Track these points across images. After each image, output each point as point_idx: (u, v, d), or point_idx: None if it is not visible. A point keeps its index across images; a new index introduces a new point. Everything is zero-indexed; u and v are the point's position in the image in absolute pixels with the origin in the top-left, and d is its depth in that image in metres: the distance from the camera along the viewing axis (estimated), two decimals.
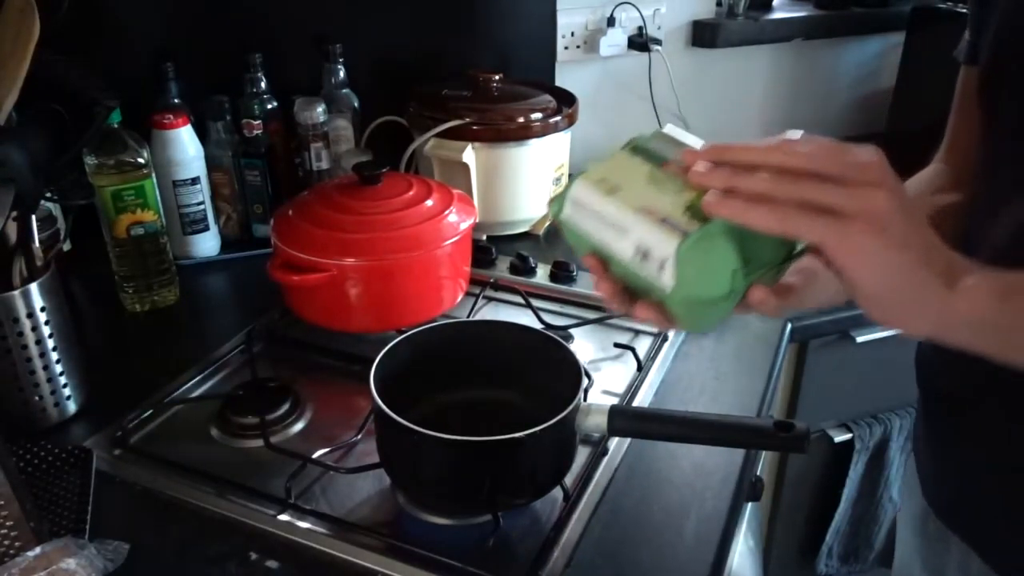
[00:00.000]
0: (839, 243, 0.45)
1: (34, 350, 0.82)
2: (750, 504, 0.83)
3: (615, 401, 0.90)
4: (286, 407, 0.87)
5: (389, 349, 0.76)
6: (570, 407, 0.68)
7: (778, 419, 0.65)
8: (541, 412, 0.67)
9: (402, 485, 0.74)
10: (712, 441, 0.69)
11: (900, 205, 0.45)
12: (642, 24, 1.50)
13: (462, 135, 1.19)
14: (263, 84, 1.21)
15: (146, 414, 0.87)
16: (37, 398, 0.84)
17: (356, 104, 1.29)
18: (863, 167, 0.45)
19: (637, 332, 1.04)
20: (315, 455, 0.77)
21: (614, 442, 0.82)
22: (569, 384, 0.70)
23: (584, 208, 0.50)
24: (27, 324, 0.81)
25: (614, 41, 1.49)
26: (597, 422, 0.69)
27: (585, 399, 0.87)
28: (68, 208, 0.97)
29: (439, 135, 1.20)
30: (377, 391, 0.70)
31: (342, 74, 1.27)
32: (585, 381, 0.72)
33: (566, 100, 1.30)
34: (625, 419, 0.69)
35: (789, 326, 1.06)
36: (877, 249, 0.45)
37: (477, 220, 1.02)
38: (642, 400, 0.90)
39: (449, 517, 0.74)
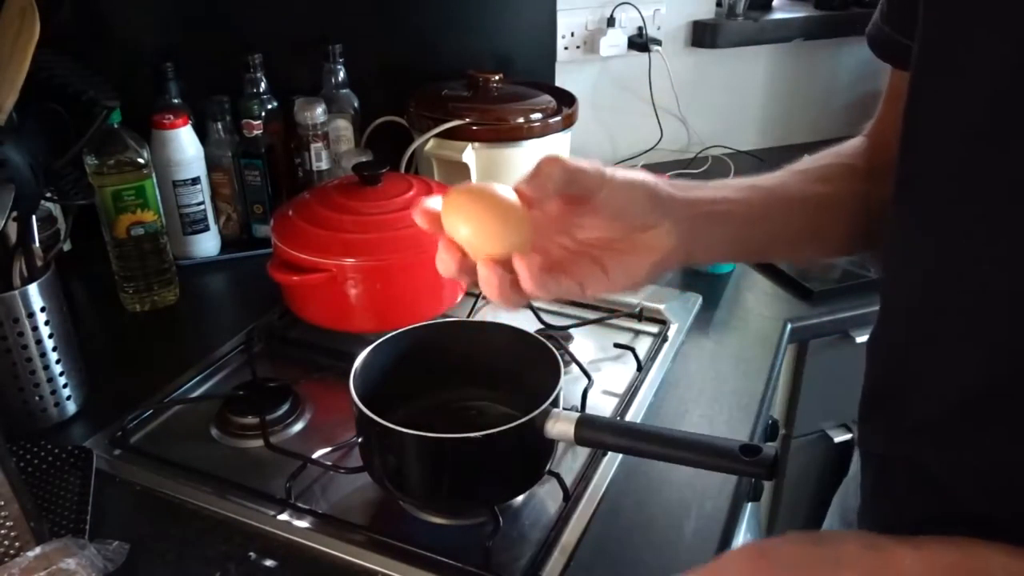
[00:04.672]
0: None
1: (34, 350, 0.82)
2: (750, 504, 0.83)
3: (615, 401, 0.90)
4: (286, 407, 0.87)
5: (374, 347, 0.76)
6: (534, 413, 0.67)
7: (746, 443, 0.62)
8: (526, 413, 0.68)
9: (376, 477, 0.74)
10: (676, 460, 0.66)
11: None
12: (642, 24, 1.50)
13: (462, 135, 1.19)
14: (263, 84, 1.21)
15: (146, 414, 0.87)
16: (37, 398, 0.84)
17: (356, 104, 1.29)
18: None
19: (637, 332, 1.04)
20: (315, 455, 0.77)
21: None
22: (549, 386, 0.70)
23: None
24: (27, 324, 0.81)
25: (614, 41, 1.49)
26: (564, 430, 0.68)
27: (585, 399, 0.88)
28: (68, 208, 0.96)
29: (439, 135, 1.20)
30: (357, 389, 0.70)
31: (342, 74, 1.27)
32: (562, 382, 0.71)
33: (566, 100, 1.30)
34: (592, 430, 0.68)
35: (789, 326, 1.06)
36: None
37: None
38: (642, 400, 0.90)
39: (447, 517, 0.74)
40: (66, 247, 1.10)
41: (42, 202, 0.89)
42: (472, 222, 0.46)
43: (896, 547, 0.45)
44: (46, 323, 0.82)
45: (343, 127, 1.28)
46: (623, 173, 0.51)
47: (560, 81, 1.47)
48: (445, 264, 0.49)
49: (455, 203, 0.47)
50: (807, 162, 0.66)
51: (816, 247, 0.67)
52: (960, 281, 0.49)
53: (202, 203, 1.17)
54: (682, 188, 0.56)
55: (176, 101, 1.18)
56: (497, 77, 1.28)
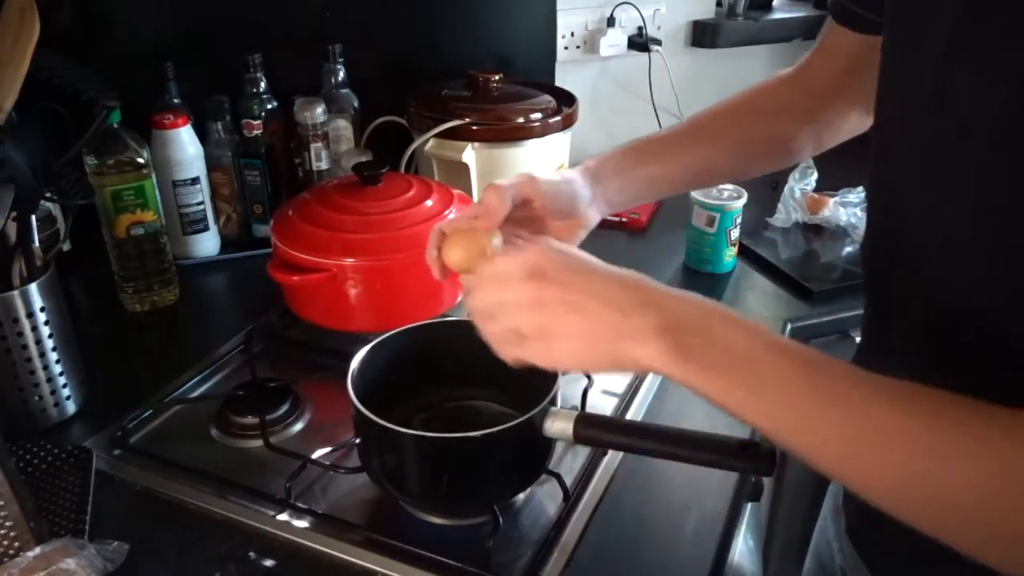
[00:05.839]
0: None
1: (34, 350, 0.82)
2: (750, 504, 0.83)
3: (615, 401, 0.90)
4: (286, 407, 0.87)
5: (372, 347, 0.76)
6: (532, 412, 0.67)
7: (746, 439, 0.62)
8: (525, 412, 0.67)
9: (374, 477, 0.74)
10: (676, 457, 0.65)
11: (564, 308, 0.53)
12: (642, 24, 1.50)
13: (462, 135, 1.19)
14: (263, 84, 1.21)
15: (146, 414, 0.87)
16: (37, 398, 0.84)
17: (356, 104, 1.29)
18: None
19: None
20: (315, 455, 0.77)
21: None
22: (547, 385, 0.70)
23: None
24: (27, 324, 0.81)
25: (614, 41, 1.49)
26: (562, 428, 0.68)
27: (585, 399, 0.87)
28: (68, 208, 0.96)
29: (439, 135, 1.20)
30: (355, 389, 0.70)
31: (342, 74, 1.27)
32: (560, 381, 0.71)
33: (566, 100, 1.30)
34: (591, 427, 0.68)
35: (789, 327, 1.06)
36: (562, 358, 0.54)
37: None
38: (642, 400, 0.90)
39: (446, 517, 0.74)
40: (66, 247, 1.10)
41: (42, 202, 0.89)
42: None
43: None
44: (46, 323, 0.82)
45: (343, 127, 1.28)
46: (549, 181, 0.70)
47: (560, 81, 1.47)
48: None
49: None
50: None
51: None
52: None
53: (202, 203, 1.17)
54: (602, 170, 0.76)
55: (176, 101, 1.18)
56: (497, 77, 1.28)
